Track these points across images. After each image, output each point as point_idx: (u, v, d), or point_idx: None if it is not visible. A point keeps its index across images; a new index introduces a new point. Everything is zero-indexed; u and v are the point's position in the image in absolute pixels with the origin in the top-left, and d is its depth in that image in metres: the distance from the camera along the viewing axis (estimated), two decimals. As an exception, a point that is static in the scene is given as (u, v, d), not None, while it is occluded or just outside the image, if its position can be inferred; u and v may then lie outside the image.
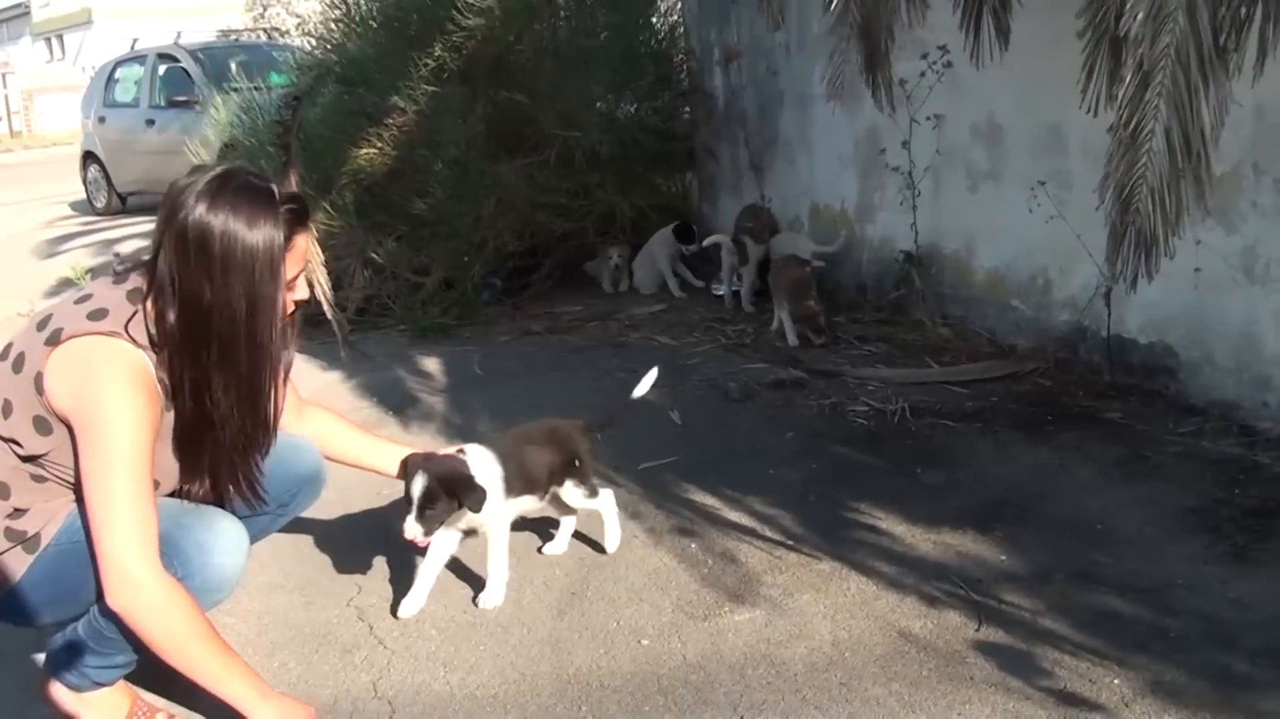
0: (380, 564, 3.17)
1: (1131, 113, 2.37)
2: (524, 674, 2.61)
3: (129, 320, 2.21)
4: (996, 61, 4.03)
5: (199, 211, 2.15)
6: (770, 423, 4.24)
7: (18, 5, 40.73)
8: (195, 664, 2.22)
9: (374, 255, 6.19)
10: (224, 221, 2.15)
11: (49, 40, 38.52)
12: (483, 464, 2.85)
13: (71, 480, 2.27)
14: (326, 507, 3.14)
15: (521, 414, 4.31)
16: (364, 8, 6.62)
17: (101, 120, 12.57)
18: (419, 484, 2.67)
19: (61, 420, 2.19)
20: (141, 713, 2.48)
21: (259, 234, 2.17)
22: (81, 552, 2.23)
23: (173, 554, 2.20)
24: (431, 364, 5.35)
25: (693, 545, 3.24)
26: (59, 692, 2.44)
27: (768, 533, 3.28)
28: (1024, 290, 4.64)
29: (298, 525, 3.05)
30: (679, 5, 7.12)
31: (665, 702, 2.47)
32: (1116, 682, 2.42)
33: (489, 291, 6.38)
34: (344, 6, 6.69)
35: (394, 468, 2.80)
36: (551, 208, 6.18)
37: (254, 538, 2.63)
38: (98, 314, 2.21)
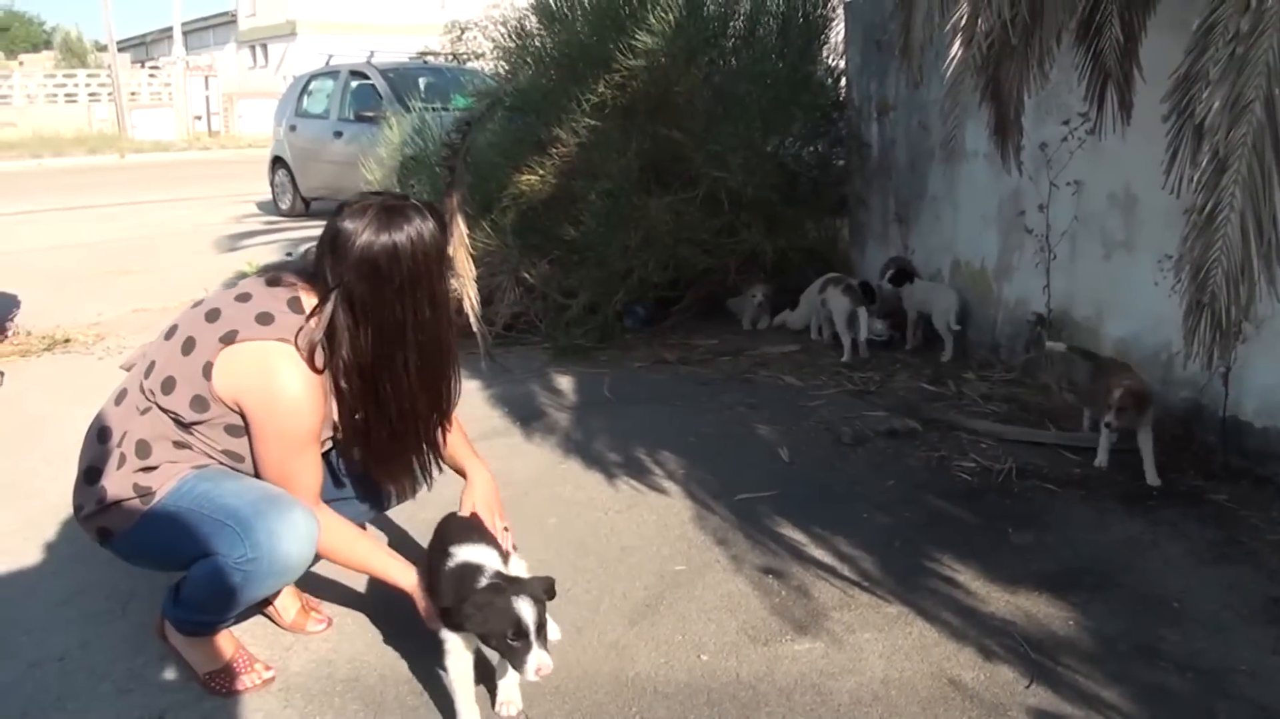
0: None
1: (1207, 197, 2.44)
2: (586, 672, 2.80)
3: (297, 332, 2.55)
4: (1135, 133, 4.10)
5: (375, 238, 2.49)
6: (875, 470, 4.33)
7: (225, 14, 43.50)
8: (359, 562, 2.74)
9: (526, 275, 6.52)
10: (397, 235, 2.49)
11: (253, 48, 40.92)
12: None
13: (212, 449, 2.63)
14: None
15: (636, 438, 4.55)
16: (538, 42, 6.97)
17: (293, 129, 13.40)
18: (536, 610, 2.40)
19: (227, 405, 2.56)
20: (242, 661, 2.79)
21: (427, 235, 2.52)
22: (177, 518, 2.58)
23: (245, 535, 2.51)
24: (565, 382, 5.62)
25: (769, 577, 3.38)
26: (170, 631, 2.80)
27: (845, 572, 3.40)
28: (1148, 363, 4.60)
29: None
30: (843, 56, 7.25)
31: (710, 713, 2.64)
32: (1154, 753, 2.46)
33: (633, 319, 6.64)
34: (518, 40, 7.06)
35: (471, 476, 2.95)
36: (695, 243, 6.40)
37: (370, 517, 2.99)
38: (265, 318, 2.55)
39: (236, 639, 2.84)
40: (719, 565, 3.46)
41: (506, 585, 2.44)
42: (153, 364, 2.64)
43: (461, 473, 2.97)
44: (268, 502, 2.56)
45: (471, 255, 5.75)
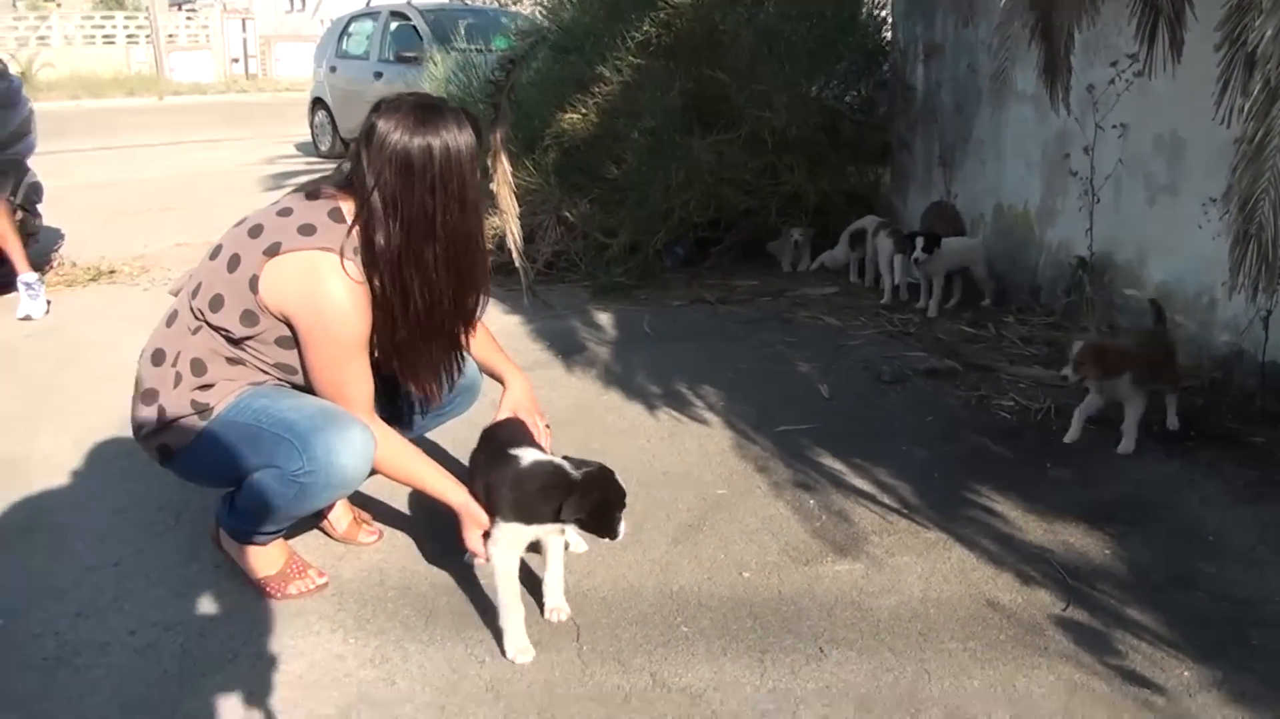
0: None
1: (1257, 126, 2.44)
2: (632, 585, 2.88)
3: (341, 242, 2.59)
4: (1185, 75, 4.07)
5: (410, 137, 2.53)
6: (915, 407, 4.37)
7: (263, -43, 43.14)
8: (412, 478, 2.76)
9: (567, 214, 6.56)
10: (431, 138, 2.53)
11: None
12: None
13: (265, 364, 2.69)
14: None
15: (676, 373, 4.60)
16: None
17: (333, 70, 13.39)
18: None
19: (275, 317, 2.61)
20: (295, 568, 2.88)
21: (461, 139, 2.56)
22: (235, 432, 2.66)
23: (303, 449, 2.58)
24: (605, 318, 5.68)
25: (811, 501, 3.44)
26: (224, 539, 2.90)
27: (885, 500, 3.45)
28: (1189, 307, 4.60)
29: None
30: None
31: (753, 624, 2.71)
32: (1186, 674, 2.51)
33: (672, 258, 6.68)
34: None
35: (508, 381, 3.04)
36: (737, 184, 6.41)
37: (414, 435, 3.03)
38: (308, 229, 2.60)
39: (290, 547, 2.93)
40: (760, 491, 3.53)
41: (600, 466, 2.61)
42: (200, 284, 2.70)
43: (498, 379, 3.05)
44: (325, 417, 2.62)
45: (514, 193, 5.79)
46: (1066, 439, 3.91)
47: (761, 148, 6.43)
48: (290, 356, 2.68)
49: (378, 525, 3.23)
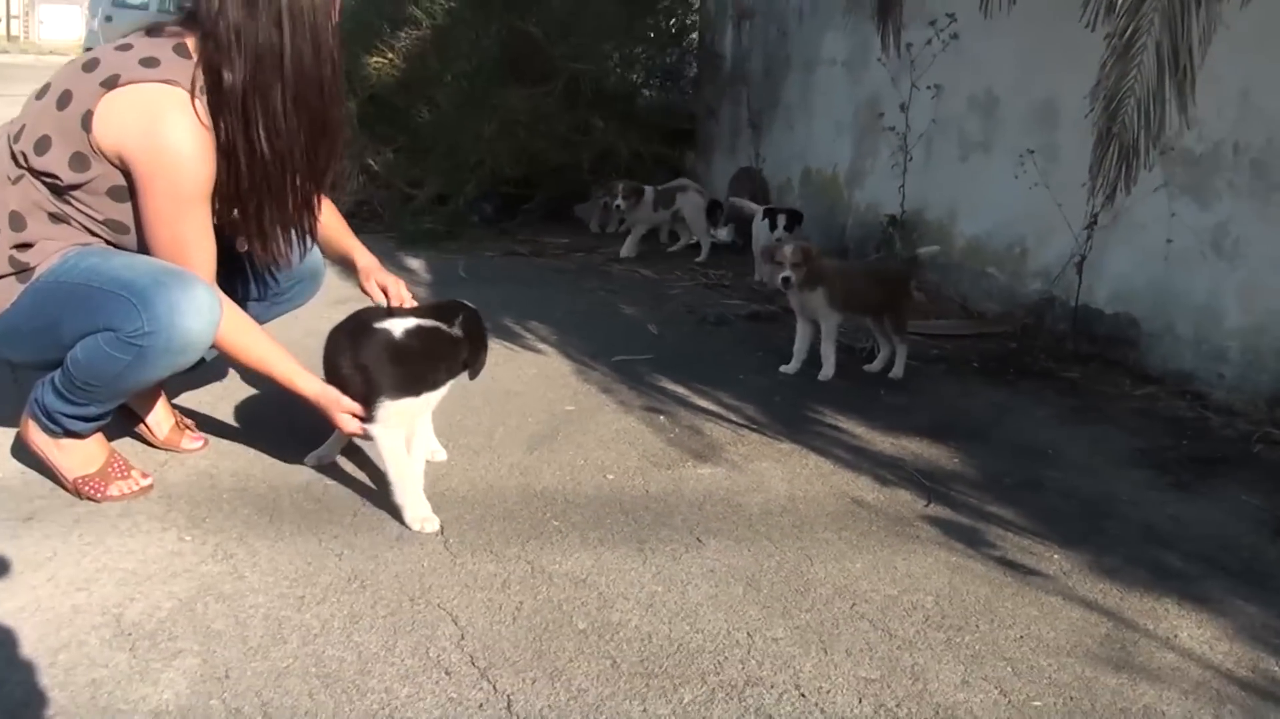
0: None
1: (1128, 22, 2.52)
2: (492, 487, 2.71)
3: (190, 76, 2.31)
4: (1001, 33, 4.23)
5: None
6: (742, 344, 4.36)
7: (27, -87, 40.50)
8: (258, 357, 2.48)
9: (371, 162, 6.27)
10: None
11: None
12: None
13: (93, 221, 2.38)
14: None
15: (502, 310, 4.43)
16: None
17: (108, 19, 12.56)
18: None
19: (110, 160, 2.29)
20: (117, 468, 2.56)
21: None
22: (62, 292, 2.34)
23: (143, 308, 2.27)
24: (416, 264, 5.44)
25: (661, 417, 3.35)
26: (35, 434, 2.53)
27: (732, 417, 3.40)
28: (1000, 259, 4.79)
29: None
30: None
31: (626, 519, 2.58)
32: (1056, 558, 2.55)
33: (480, 214, 6.48)
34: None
35: (358, 257, 2.90)
36: (551, 136, 6.28)
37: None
38: (150, 62, 2.30)
39: (110, 445, 2.60)
40: (608, 408, 3.41)
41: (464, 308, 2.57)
42: (23, 126, 2.36)
43: (348, 259, 2.89)
44: (168, 273, 2.33)
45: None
46: (786, 369, 3.95)
47: (576, 101, 6.32)
48: (123, 212, 2.37)
49: (202, 434, 2.92)
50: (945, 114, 5.08)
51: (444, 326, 2.46)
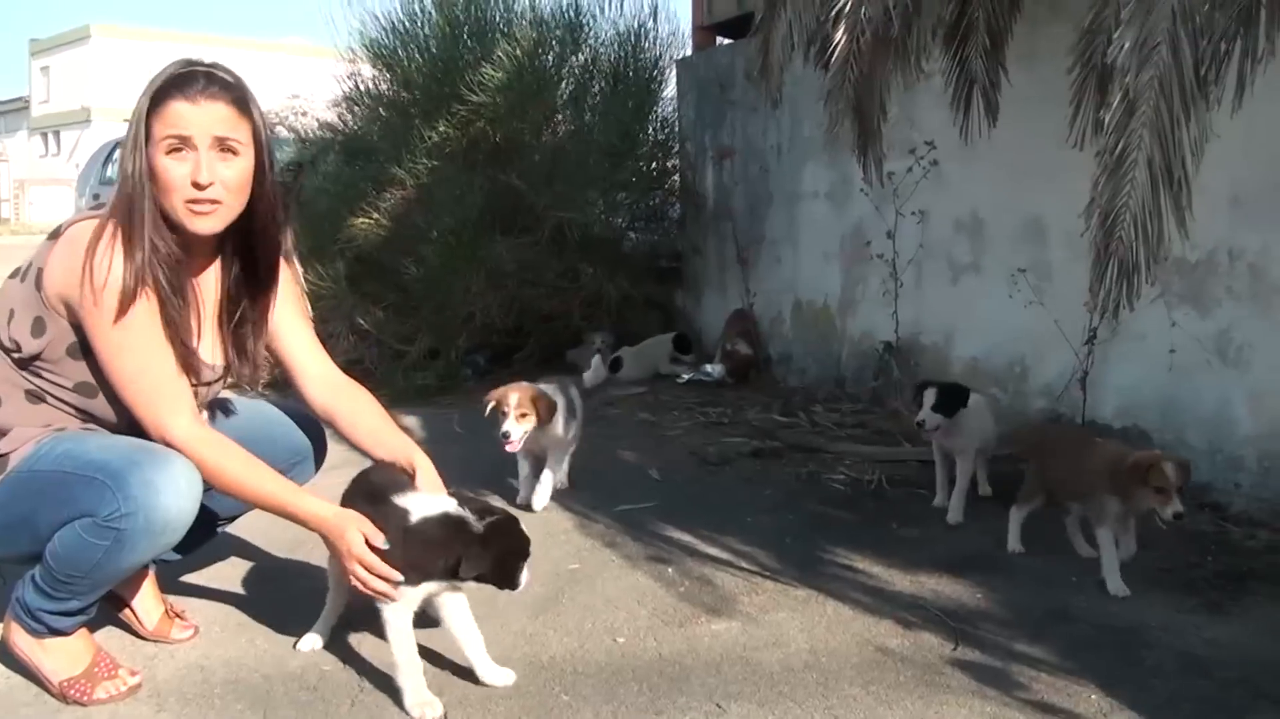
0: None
1: (1117, 139, 2.49)
2: (498, 658, 2.55)
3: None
4: (980, 158, 4.27)
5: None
6: (747, 484, 4.27)
7: (17, 100, 41.81)
8: (260, 494, 2.35)
9: (361, 321, 6.25)
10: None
11: (45, 135, 39.36)
12: None
13: (64, 391, 2.34)
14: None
15: (498, 465, 4.34)
16: (369, 86, 6.82)
17: (96, 198, 12.72)
18: None
19: (59, 314, 2.26)
20: (104, 667, 2.43)
21: (140, 101, 2.29)
22: (36, 482, 2.26)
23: (117, 489, 2.18)
24: (411, 421, 5.35)
25: (669, 570, 3.24)
26: (17, 636, 2.41)
27: (744, 564, 3.29)
28: (1001, 378, 4.73)
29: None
30: (676, 112, 7.34)
31: (640, 688, 2.45)
32: (1094, 697, 2.42)
33: (473, 368, 6.42)
34: (353, 84, 6.89)
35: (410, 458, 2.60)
36: (540, 285, 6.28)
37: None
38: (98, 206, 2.33)
39: (96, 642, 2.48)
40: (614, 564, 3.30)
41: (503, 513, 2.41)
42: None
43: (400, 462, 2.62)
44: (142, 451, 2.25)
45: (307, 294, 5.48)
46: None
47: (563, 249, 6.34)
48: (85, 370, 2.31)
49: (192, 620, 2.79)
50: (932, 238, 5.09)
51: (468, 517, 2.34)
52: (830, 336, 5.85)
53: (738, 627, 2.80)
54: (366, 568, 2.28)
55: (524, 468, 3.97)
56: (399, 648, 2.33)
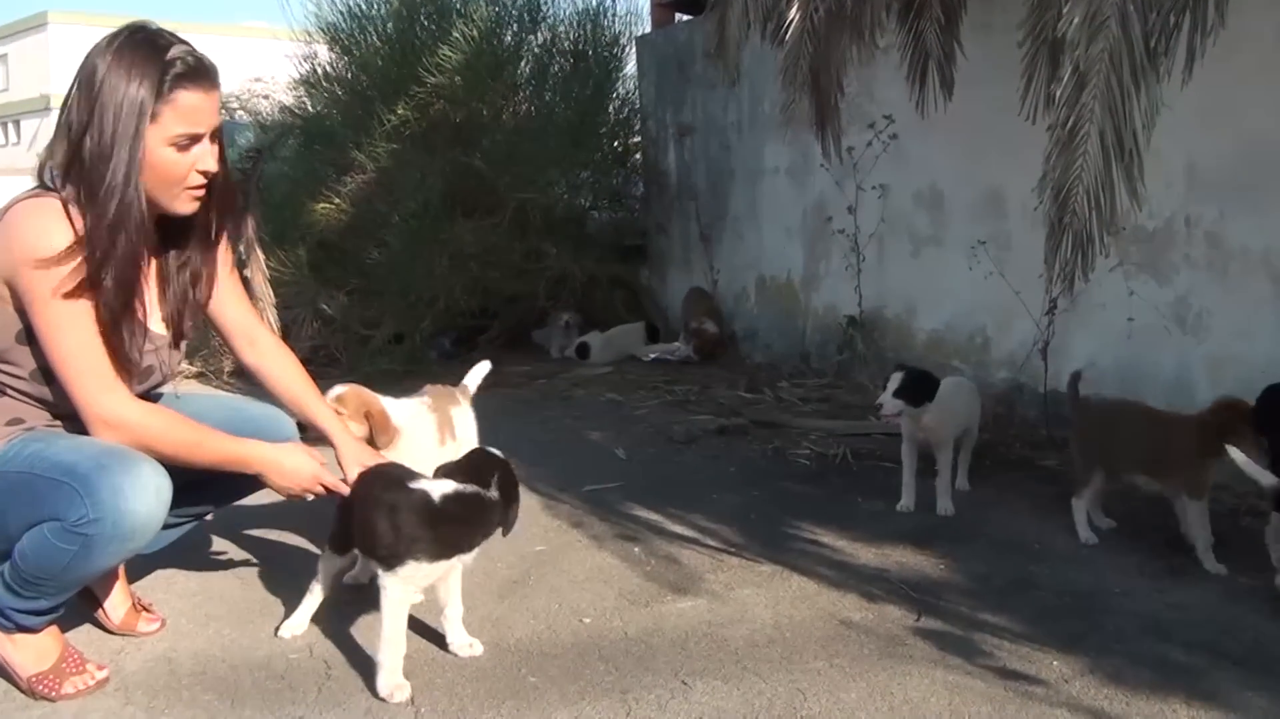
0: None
1: (1069, 113, 2.51)
2: (463, 642, 2.58)
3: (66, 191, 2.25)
4: (939, 131, 4.27)
5: (98, 53, 2.24)
6: (713, 461, 4.28)
7: (-26, 89, 41.06)
8: (204, 456, 2.37)
9: (325, 307, 6.21)
10: (109, 67, 2.22)
11: (5, 125, 38.71)
12: None
13: (21, 381, 2.32)
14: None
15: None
16: (327, 69, 6.76)
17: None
18: None
19: (4, 298, 2.23)
20: (72, 663, 2.41)
21: (133, 88, 2.21)
22: (5, 482, 2.24)
23: (85, 493, 2.16)
24: (376, 407, 5.34)
25: (635, 549, 3.25)
26: (-13, 632, 2.38)
27: (709, 542, 3.30)
28: (963, 350, 4.76)
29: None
30: (636, 90, 7.32)
31: (606, 668, 2.46)
32: (1056, 663, 2.45)
33: (438, 350, 6.40)
34: (310, 67, 6.83)
35: (327, 428, 2.69)
36: (504, 266, 6.26)
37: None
38: (39, 187, 2.29)
39: (64, 638, 2.46)
40: (580, 544, 3.30)
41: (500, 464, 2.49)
42: None
43: (315, 428, 2.69)
44: (111, 455, 2.22)
45: (269, 280, 5.46)
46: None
47: (526, 230, 6.32)
48: (37, 355, 2.28)
49: (159, 613, 2.78)
50: (893, 212, 5.11)
51: (482, 492, 2.39)
52: (794, 312, 5.88)
53: (703, 604, 2.82)
54: (324, 483, 2.47)
55: None
56: (392, 623, 2.34)
